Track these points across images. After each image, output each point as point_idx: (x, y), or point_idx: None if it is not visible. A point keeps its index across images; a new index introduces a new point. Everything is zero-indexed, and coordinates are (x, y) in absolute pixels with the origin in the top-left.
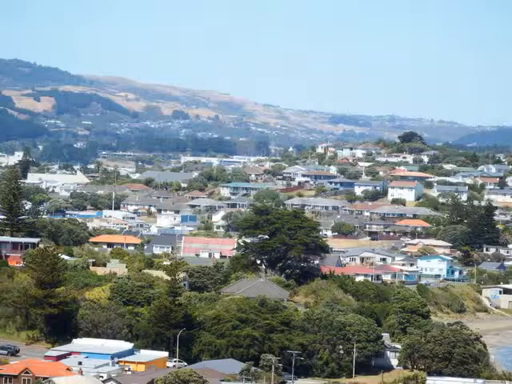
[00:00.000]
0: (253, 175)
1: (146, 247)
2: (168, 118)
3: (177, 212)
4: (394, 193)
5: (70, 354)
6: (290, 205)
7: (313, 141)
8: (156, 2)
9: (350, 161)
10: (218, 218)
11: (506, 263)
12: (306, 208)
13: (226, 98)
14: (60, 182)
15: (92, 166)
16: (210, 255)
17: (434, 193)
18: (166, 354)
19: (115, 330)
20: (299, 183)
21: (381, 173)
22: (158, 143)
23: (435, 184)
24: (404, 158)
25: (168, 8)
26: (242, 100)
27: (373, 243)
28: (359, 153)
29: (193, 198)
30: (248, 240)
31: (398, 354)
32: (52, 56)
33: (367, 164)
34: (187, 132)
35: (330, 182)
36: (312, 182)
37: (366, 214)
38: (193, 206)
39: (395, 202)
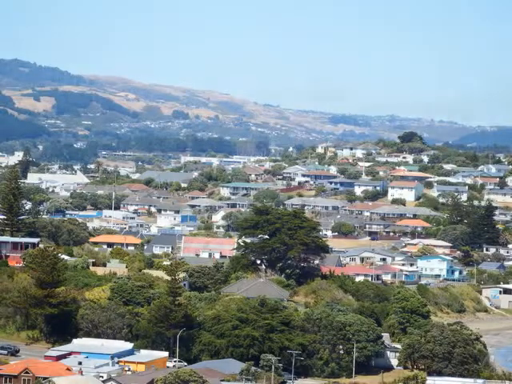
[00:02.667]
0: (253, 175)
1: (145, 247)
2: (168, 117)
3: (177, 212)
4: (394, 193)
5: (70, 353)
6: (290, 205)
7: (313, 141)
8: (156, 2)
9: (350, 161)
10: (217, 218)
11: (506, 263)
12: (306, 208)
13: (226, 98)
14: (60, 181)
15: (92, 166)
16: (210, 255)
17: (434, 193)
18: (166, 354)
19: (115, 330)
20: (299, 183)
21: (381, 173)
22: (157, 143)
23: (435, 184)
24: (404, 158)
25: (168, 8)
26: (242, 100)
27: (373, 243)
28: (359, 153)
29: (193, 198)
30: (248, 240)
31: (397, 354)
32: (52, 56)
33: (367, 164)
34: (187, 132)
35: (330, 182)
36: (312, 182)
37: (366, 214)
38: (193, 206)
39: (395, 201)
